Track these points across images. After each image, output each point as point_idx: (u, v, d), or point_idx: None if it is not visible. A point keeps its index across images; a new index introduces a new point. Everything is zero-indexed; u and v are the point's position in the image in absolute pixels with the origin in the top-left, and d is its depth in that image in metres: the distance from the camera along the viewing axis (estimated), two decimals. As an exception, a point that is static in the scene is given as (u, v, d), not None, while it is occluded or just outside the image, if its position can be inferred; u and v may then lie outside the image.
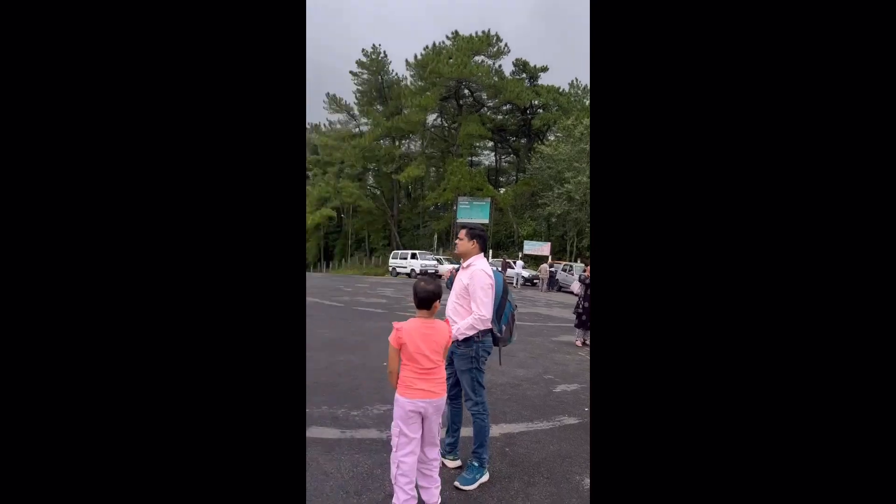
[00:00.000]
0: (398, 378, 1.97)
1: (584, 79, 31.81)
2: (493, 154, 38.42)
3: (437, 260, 22.73)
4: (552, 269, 18.36)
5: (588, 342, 6.62)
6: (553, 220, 27.23)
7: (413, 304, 2.04)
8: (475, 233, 2.39)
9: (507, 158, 39.13)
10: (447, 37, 29.58)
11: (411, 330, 1.96)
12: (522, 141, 35.08)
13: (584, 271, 7.46)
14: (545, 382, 4.42)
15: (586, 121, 25.57)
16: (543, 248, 23.68)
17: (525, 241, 25.07)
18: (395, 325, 1.97)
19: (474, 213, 28.73)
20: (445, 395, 2.03)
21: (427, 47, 29.61)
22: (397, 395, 1.95)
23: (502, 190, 31.60)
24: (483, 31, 28.42)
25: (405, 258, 22.71)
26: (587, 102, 30.88)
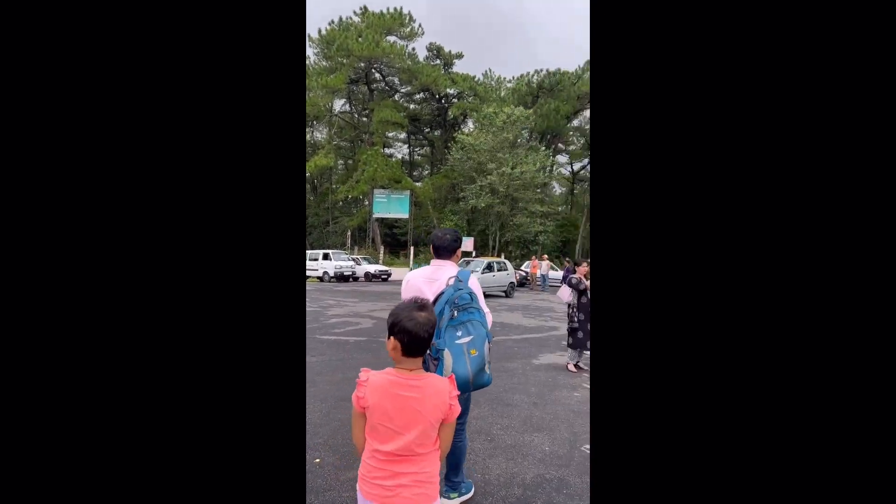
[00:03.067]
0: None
1: (497, 70, 31.22)
2: (405, 146, 36.33)
3: (354, 260, 20.07)
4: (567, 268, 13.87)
5: (583, 366, 4.98)
6: (475, 213, 26.03)
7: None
8: None
9: (421, 151, 37.36)
10: (355, 12, 26.70)
11: (381, 388, 1.19)
12: (437, 132, 33.50)
13: (577, 273, 5.13)
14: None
15: (507, 109, 24.69)
16: (467, 244, 22.21)
17: (448, 237, 23.27)
18: (361, 376, 1.22)
19: (392, 206, 26.46)
20: None
21: (332, 21, 26.47)
22: (358, 484, 1.26)
23: (419, 183, 29.64)
24: (395, 9, 26.13)
25: (315, 259, 19.54)
26: (502, 94, 30.25)
